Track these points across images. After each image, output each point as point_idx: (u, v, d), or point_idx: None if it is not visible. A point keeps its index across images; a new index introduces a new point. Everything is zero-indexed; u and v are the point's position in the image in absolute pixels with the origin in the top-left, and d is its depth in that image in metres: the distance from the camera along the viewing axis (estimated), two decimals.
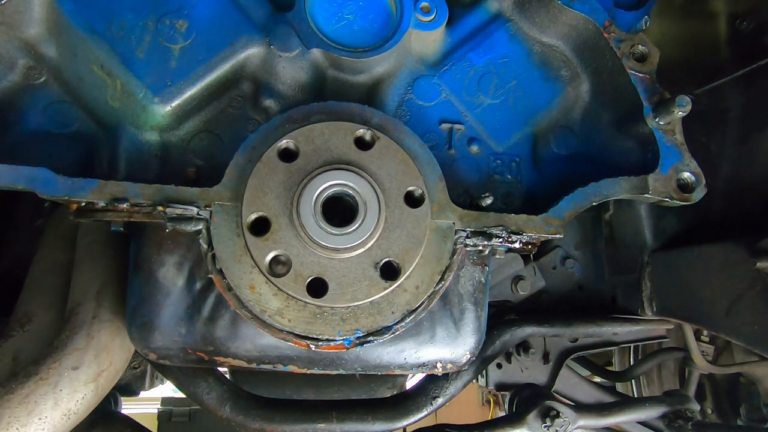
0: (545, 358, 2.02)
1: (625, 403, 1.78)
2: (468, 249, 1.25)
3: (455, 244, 1.19)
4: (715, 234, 1.60)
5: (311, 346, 1.11)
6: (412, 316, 1.15)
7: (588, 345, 2.06)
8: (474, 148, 1.38)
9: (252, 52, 1.26)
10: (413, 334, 1.29)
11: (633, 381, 3.17)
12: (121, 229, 1.22)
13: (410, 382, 2.25)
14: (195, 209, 1.10)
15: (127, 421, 1.61)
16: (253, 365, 1.26)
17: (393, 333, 1.14)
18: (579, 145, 1.48)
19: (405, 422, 1.49)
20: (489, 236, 1.22)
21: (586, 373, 2.47)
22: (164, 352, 1.24)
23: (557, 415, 1.56)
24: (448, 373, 1.50)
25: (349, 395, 2.02)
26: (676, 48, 1.84)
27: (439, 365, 1.33)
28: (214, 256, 1.09)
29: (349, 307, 1.11)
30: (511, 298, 1.91)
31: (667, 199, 1.30)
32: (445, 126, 1.37)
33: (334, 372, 1.29)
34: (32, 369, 1.21)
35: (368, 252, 1.12)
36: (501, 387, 2.01)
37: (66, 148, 1.25)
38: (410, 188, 1.17)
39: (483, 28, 1.45)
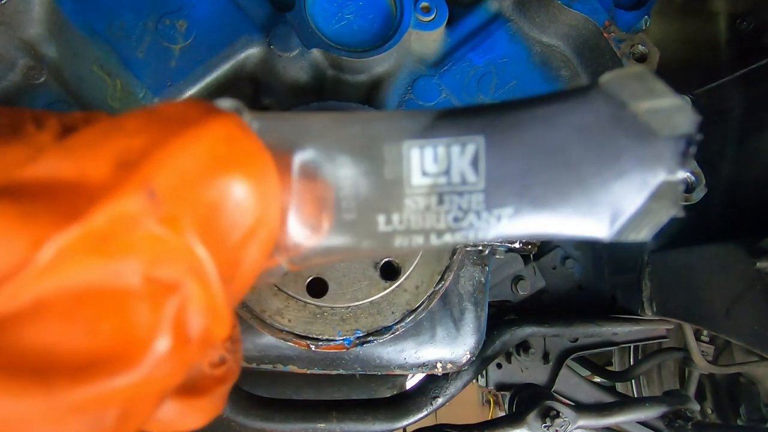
0: (545, 358, 2.02)
1: (625, 403, 1.77)
2: (468, 249, 1.25)
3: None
4: (715, 234, 1.59)
5: (311, 346, 1.11)
6: (412, 316, 1.15)
7: (588, 345, 2.06)
8: None
9: (252, 52, 1.25)
10: (413, 334, 1.29)
11: (633, 381, 3.16)
12: None
13: (410, 382, 2.25)
14: None
15: None
16: (253, 365, 1.26)
17: (393, 333, 1.14)
18: None
19: (405, 422, 1.49)
20: None
21: (586, 373, 2.47)
22: None
23: (557, 415, 1.56)
24: (448, 373, 1.50)
25: (349, 395, 2.02)
26: (676, 48, 1.84)
27: (439, 365, 1.33)
28: None
29: (349, 307, 1.11)
30: (511, 298, 1.91)
31: None
32: None
33: (334, 372, 1.29)
34: None
35: None
36: (501, 387, 2.01)
37: None
38: None
39: (483, 28, 1.44)
